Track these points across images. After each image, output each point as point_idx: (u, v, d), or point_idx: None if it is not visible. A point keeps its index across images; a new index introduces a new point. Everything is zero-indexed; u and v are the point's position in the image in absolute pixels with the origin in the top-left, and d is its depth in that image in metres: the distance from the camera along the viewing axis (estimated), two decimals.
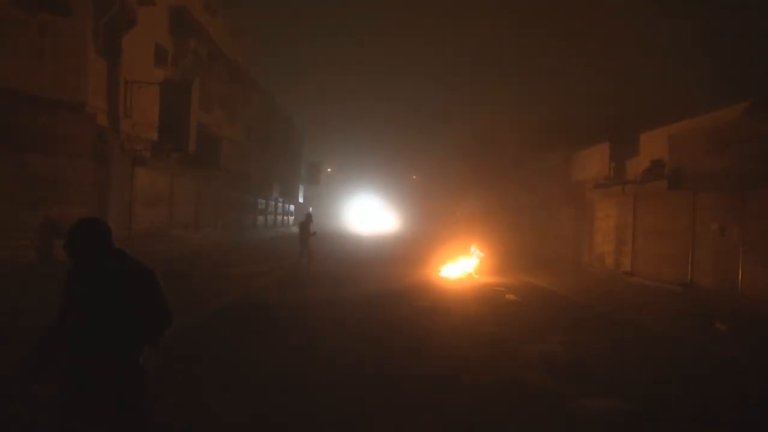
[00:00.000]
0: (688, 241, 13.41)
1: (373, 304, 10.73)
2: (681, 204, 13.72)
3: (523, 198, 26.04)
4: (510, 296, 12.48)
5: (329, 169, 75.24)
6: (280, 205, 40.80)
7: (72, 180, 13.93)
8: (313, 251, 17.05)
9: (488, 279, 15.56)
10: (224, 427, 4.49)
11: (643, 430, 4.82)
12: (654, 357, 7.46)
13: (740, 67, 17.81)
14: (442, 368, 6.46)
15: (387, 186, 74.59)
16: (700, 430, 4.87)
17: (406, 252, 25.11)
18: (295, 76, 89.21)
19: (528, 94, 29.10)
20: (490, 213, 32.41)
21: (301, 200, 49.83)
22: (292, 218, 46.55)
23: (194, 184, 21.52)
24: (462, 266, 16.24)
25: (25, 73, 12.92)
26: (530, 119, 26.50)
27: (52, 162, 13.35)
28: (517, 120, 28.22)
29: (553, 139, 21.86)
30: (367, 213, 75.55)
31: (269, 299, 11.09)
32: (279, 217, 40.86)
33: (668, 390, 5.89)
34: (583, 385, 5.86)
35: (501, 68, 39.78)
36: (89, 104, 14.23)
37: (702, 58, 19.09)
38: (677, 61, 20.75)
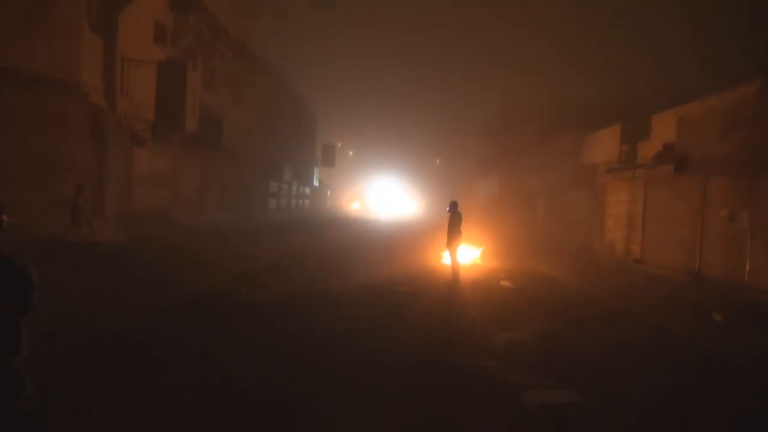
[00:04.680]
0: (697, 229, 12.93)
1: (351, 292, 10.59)
2: (690, 189, 13.23)
3: (538, 181, 25.71)
4: (505, 282, 12.23)
5: (350, 152, 75.44)
6: (294, 188, 40.87)
7: (67, 159, 14.05)
8: (458, 265, 12.07)
9: (492, 265, 15.36)
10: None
11: (591, 427, 4.62)
12: (630, 348, 7.18)
13: (757, 48, 17.06)
14: (399, 353, 6.32)
15: (409, 170, 74.38)
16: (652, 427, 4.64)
17: (416, 237, 24.92)
18: (314, 58, 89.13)
19: (546, 74, 28.78)
20: (506, 196, 32.22)
21: (316, 183, 49.89)
22: (307, 202, 46.75)
23: (198, 166, 21.63)
24: (469, 252, 16.00)
25: (17, 50, 12.99)
26: (547, 101, 26.20)
27: (45, 140, 13.45)
28: (534, 101, 27.97)
29: (569, 121, 21.47)
30: (388, 197, 75.62)
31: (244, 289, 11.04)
32: (293, 201, 41.02)
33: (632, 383, 5.65)
34: (541, 378, 5.65)
35: (521, 49, 39.09)
36: (84, 82, 14.30)
37: (718, 38, 18.34)
38: (694, 42, 20.00)
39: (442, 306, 9.63)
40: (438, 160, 68.52)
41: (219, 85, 22.94)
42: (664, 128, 14.56)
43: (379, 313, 8.56)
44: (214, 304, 8.57)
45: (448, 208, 12.31)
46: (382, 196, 75.93)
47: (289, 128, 36.71)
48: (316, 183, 49.93)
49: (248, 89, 26.91)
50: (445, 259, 14.98)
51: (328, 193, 60.46)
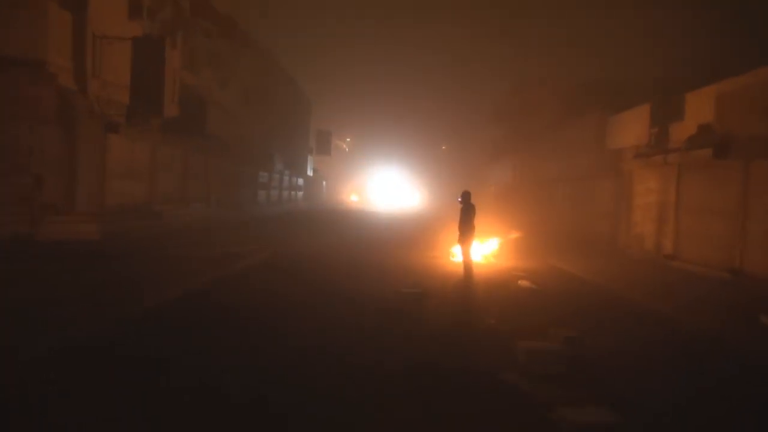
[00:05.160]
0: (739, 221, 12.69)
1: (351, 295, 10.35)
2: (731, 176, 12.98)
3: (556, 168, 25.57)
4: (524, 282, 12.06)
5: (348, 139, 75.33)
6: (286, 178, 40.76)
7: (32, 148, 13.79)
8: (471, 263, 11.79)
9: (508, 263, 15.22)
10: None
11: None
12: (670, 357, 6.97)
13: None
14: (410, 364, 6.11)
15: (412, 158, 74.32)
16: None
17: (421, 232, 24.76)
18: (308, 38, 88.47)
19: (566, 51, 28.62)
20: (521, 185, 32.08)
21: (310, 173, 49.74)
22: (300, 193, 46.62)
23: (180, 155, 21.38)
24: (482, 247, 15.85)
25: None
26: (566, 79, 26.04)
27: (7, 127, 13.18)
28: (553, 80, 27.81)
29: (591, 101, 21.25)
30: (389, 188, 75.70)
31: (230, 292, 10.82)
32: (285, 192, 40.94)
33: (679, 401, 5.42)
34: (570, 392, 5.42)
35: (537, 28, 38.80)
36: (51, 62, 14.00)
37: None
38: (733, 7, 19.66)
39: (453, 310, 9.46)
40: (444, 147, 68.48)
41: (202, 65, 22.66)
42: (699, 107, 14.29)
43: (383, 319, 8.33)
44: (193, 311, 8.35)
45: (459, 199, 12.10)
46: (383, 187, 75.98)
47: (281, 113, 36.50)
48: (310, 173, 49.81)
49: (235, 70, 26.62)
50: (456, 256, 14.86)
51: (324, 184, 60.48)
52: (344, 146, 66.56)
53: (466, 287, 11.34)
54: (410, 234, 23.97)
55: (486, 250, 16.08)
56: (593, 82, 23.00)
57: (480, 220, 12.21)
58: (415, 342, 7.15)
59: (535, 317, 8.80)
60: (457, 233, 12.06)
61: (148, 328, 7.23)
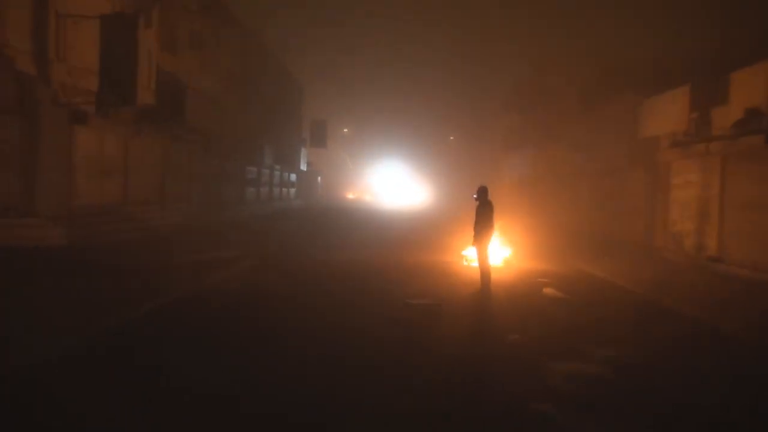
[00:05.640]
0: None
1: (350, 307, 9.89)
2: None
3: (581, 159, 25.39)
4: (550, 290, 11.66)
5: (345, 130, 75.14)
6: (277, 173, 40.62)
7: None
8: (488, 269, 11.30)
9: (529, 266, 14.93)
10: None
11: None
12: (746, 386, 6.42)
13: None
14: (419, 395, 5.63)
15: (417, 151, 74.26)
16: None
17: (429, 232, 24.40)
18: (301, 18, 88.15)
19: (591, 27, 28.22)
20: (540, 178, 31.78)
21: (303, 167, 49.43)
22: (293, 190, 46.32)
23: (157, 148, 21.10)
24: (499, 249, 15.43)
25: None
26: (592, 60, 25.75)
27: None
28: (576, 61, 27.52)
29: (620, 84, 20.99)
30: (392, 183, 75.93)
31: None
32: (276, 189, 40.82)
33: None
34: (615, 426, 4.92)
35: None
36: (7, 44, 13.74)
37: None
38: None
39: (470, 324, 9.06)
40: (452, 137, 68.28)
41: (181, 47, 22.22)
42: (747, 89, 13.92)
43: (389, 337, 7.81)
44: (165, 334, 7.86)
45: (474, 196, 11.70)
46: (385, 182, 76.15)
47: (271, 101, 36.19)
48: (303, 167, 49.46)
49: (219, 52, 26.25)
50: (471, 260, 14.46)
51: (319, 179, 60.34)
52: (344, 129, 66.57)
53: (484, 296, 10.90)
54: (417, 235, 23.69)
55: (504, 253, 15.63)
56: (622, 62, 22.64)
57: (496, 219, 11.76)
58: (430, 367, 6.62)
59: (566, 332, 8.37)
60: (471, 233, 11.62)
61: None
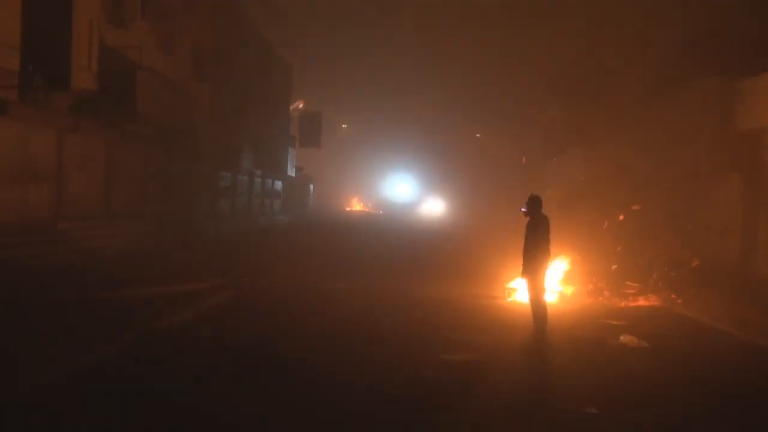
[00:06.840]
0: None
1: (368, 369, 8.99)
2: None
3: (648, 162, 24.95)
4: (628, 338, 10.91)
5: (344, 126, 75.24)
6: (257, 181, 40.87)
7: None
8: (544, 308, 10.73)
9: (595, 303, 14.69)
10: None
11: None
12: None
13: None
14: None
15: (435, 153, 74.54)
16: None
17: (457, 256, 23.92)
18: None
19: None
20: (596, 186, 31.37)
21: (291, 173, 49.13)
22: (277, 202, 46.03)
23: (102, 147, 21.20)
24: (554, 280, 15.05)
25: None
26: (662, 34, 25.81)
27: None
28: (642, 37, 27.53)
29: (702, 63, 20.75)
30: (402, 192, 77.10)
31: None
32: (256, 201, 41.26)
33: None
34: None
35: None
36: None
37: None
38: None
39: (527, 390, 8.12)
40: (478, 135, 68.09)
41: (133, 17, 22.02)
42: None
43: (419, 416, 6.86)
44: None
45: (523, 209, 10.93)
46: (394, 191, 77.21)
47: (251, 90, 36.30)
48: (291, 172, 49.14)
49: (184, 25, 26.15)
50: (517, 294, 14.14)
51: (311, 187, 60.45)
52: (343, 125, 66.86)
53: (539, 348, 10.04)
54: (440, 258, 23.48)
55: (554, 280, 15.04)
56: (705, 35, 22.16)
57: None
58: None
59: (662, 403, 7.60)
60: (520, 260, 10.93)
61: None
